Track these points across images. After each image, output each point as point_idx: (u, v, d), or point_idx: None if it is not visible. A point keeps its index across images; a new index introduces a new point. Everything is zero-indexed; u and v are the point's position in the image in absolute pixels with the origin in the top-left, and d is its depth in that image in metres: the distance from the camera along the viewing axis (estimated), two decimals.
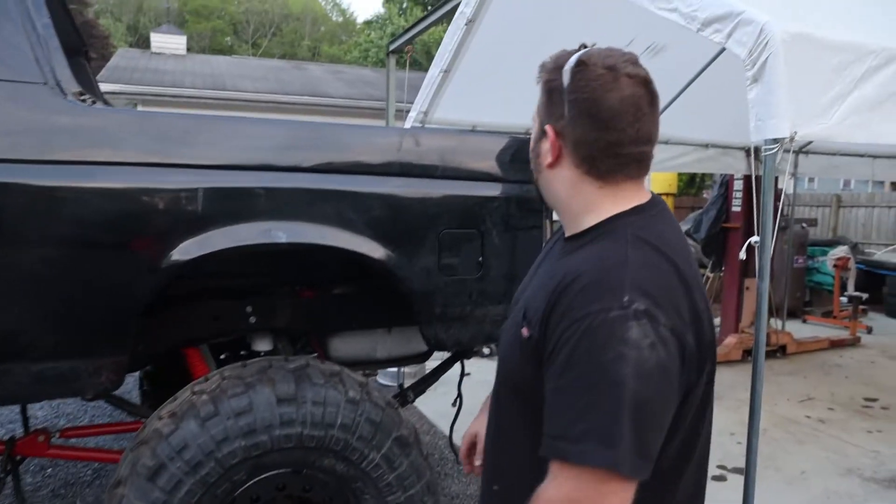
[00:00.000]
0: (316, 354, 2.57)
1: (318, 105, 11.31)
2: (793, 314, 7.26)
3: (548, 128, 0.97)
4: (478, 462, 1.25)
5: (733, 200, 5.96)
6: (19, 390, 1.63)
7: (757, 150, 5.92)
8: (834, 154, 6.00)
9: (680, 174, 11.30)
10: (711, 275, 8.10)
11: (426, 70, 4.60)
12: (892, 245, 9.50)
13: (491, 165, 2.16)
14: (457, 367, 2.59)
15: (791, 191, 6.50)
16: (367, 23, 31.13)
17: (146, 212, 1.66)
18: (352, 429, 1.82)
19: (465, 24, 3.95)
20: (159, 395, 2.68)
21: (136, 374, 3.17)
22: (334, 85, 13.30)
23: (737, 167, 5.84)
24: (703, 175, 14.01)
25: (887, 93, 2.01)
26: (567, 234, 1.02)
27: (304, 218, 1.84)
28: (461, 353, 2.48)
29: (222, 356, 2.72)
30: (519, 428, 1.00)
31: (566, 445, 0.82)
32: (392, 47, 6.81)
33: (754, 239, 1.90)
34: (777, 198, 2.10)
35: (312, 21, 42.37)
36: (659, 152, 5.68)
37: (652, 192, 1.03)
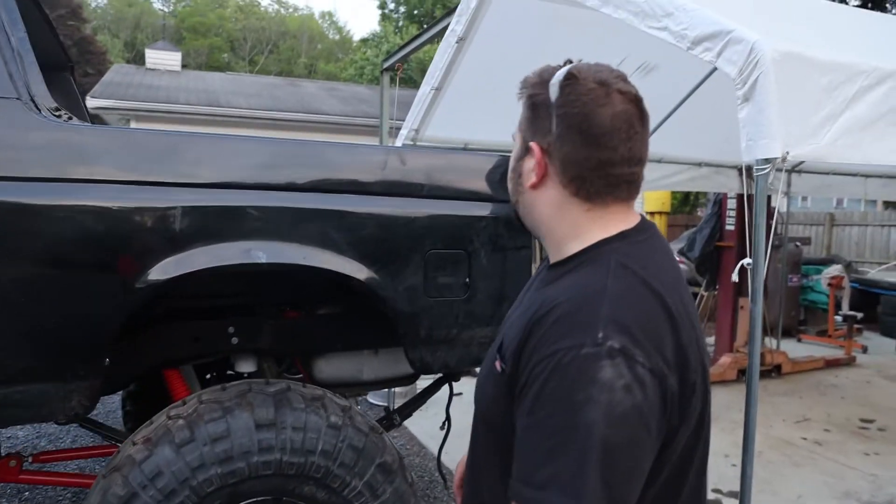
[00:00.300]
0: (301, 376, 2.52)
1: (313, 122, 11.31)
2: (787, 333, 7.23)
3: (533, 145, 0.90)
4: None
5: (727, 219, 5.95)
6: None
7: (749, 168, 5.92)
8: (827, 173, 6.01)
9: (673, 193, 11.32)
10: (706, 293, 8.08)
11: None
12: (886, 264, 9.50)
13: (479, 184, 2.12)
14: (447, 387, 2.54)
15: (784, 209, 6.50)
16: (364, 41, 31.39)
17: (122, 231, 1.61)
18: (333, 455, 1.76)
19: (456, 42, 3.95)
20: (142, 415, 2.61)
21: (119, 394, 3.10)
22: (328, 102, 13.33)
23: (730, 186, 5.84)
24: (698, 193, 14.05)
25: (879, 113, 2.00)
26: (552, 262, 0.96)
27: (286, 238, 1.79)
28: (449, 375, 2.42)
29: (208, 376, 2.67)
30: (494, 464, 0.94)
31: (529, 492, 0.76)
32: (386, 65, 6.83)
33: (747, 261, 1.86)
34: (770, 216, 2.07)
35: (309, 39, 42.69)
36: (652, 171, 5.71)
37: (642, 215, 0.96)
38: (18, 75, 1.59)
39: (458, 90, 4.22)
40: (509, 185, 0.99)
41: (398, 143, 4.59)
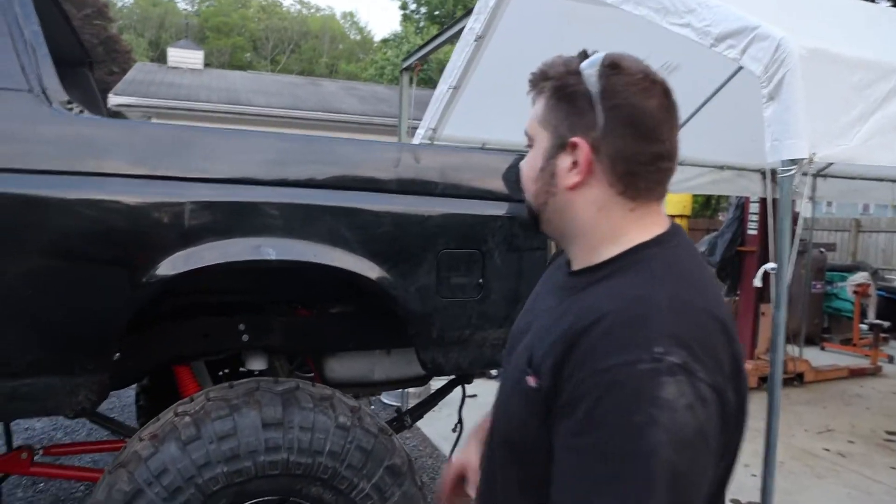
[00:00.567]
0: (312, 375, 2.49)
1: (332, 121, 11.35)
2: (810, 341, 7.07)
3: (578, 140, 0.81)
4: (471, 492, 1.11)
5: (749, 223, 5.84)
6: None
7: (773, 172, 5.79)
8: (853, 178, 5.86)
9: (695, 196, 11.16)
10: (727, 299, 7.94)
11: None
12: None
13: (494, 183, 2.08)
14: (461, 389, 2.50)
15: (809, 214, 6.36)
16: (385, 41, 31.46)
17: (130, 225, 1.60)
18: (341, 456, 1.73)
19: (475, 41, 3.91)
20: (156, 411, 2.61)
21: (135, 388, 3.11)
22: (348, 101, 13.37)
23: (752, 189, 5.72)
24: (719, 197, 13.85)
25: None
26: (577, 267, 0.88)
27: (297, 235, 1.77)
28: (462, 377, 2.38)
29: (221, 373, 2.66)
30: (514, 492, 0.87)
31: None
32: (405, 65, 6.81)
33: (770, 266, 1.80)
34: (794, 221, 2.01)
35: (331, 39, 42.97)
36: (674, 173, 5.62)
37: (669, 218, 0.90)
38: (31, 68, 1.58)
39: (476, 89, 4.18)
40: (532, 187, 0.90)
41: (415, 142, 4.56)
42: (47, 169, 1.53)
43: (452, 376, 2.38)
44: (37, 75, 1.58)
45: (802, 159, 1.70)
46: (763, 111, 1.79)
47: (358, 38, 46.64)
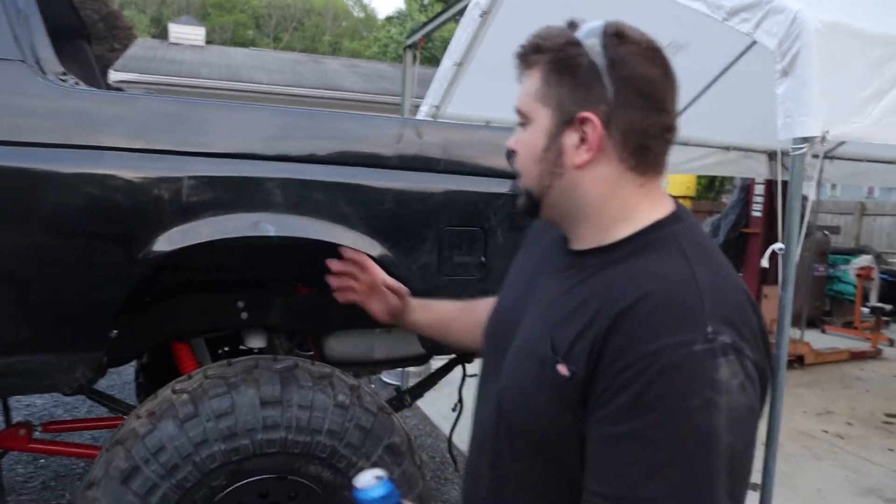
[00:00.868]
0: (312, 353, 2.48)
1: (334, 99, 11.25)
2: (812, 324, 7.06)
3: (589, 115, 0.77)
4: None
5: (753, 205, 5.80)
6: None
7: (781, 153, 5.71)
8: (861, 160, 5.79)
9: (699, 177, 11.07)
10: None
11: None
12: None
13: (497, 161, 2.04)
14: (461, 368, 2.49)
15: (815, 197, 6.30)
16: (388, 19, 31.10)
17: (126, 199, 1.56)
18: (340, 435, 1.72)
19: (480, 16, 3.84)
20: (155, 388, 2.60)
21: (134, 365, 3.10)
22: (350, 79, 13.22)
23: (758, 171, 5.67)
24: (723, 179, 13.75)
25: None
26: (583, 247, 0.83)
27: (297, 211, 1.73)
28: (462, 356, 2.36)
29: (220, 351, 2.64)
30: (535, 486, 0.82)
31: None
32: (409, 42, 6.71)
33: (778, 246, 1.76)
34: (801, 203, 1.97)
35: (334, 16, 42.49)
36: (677, 154, 5.55)
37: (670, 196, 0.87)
38: (24, 37, 1.53)
39: (480, 65, 4.11)
40: (534, 170, 0.83)
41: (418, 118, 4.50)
42: (40, 142, 1.49)
43: (453, 355, 2.37)
44: (30, 45, 1.54)
45: (815, 137, 1.66)
46: (776, 87, 1.74)
47: (361, 15, 46.12)
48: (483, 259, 1.97)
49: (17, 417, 2.69)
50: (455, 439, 2.52)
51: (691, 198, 6.87)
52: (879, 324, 6.53)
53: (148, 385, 3.00)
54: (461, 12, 5.11)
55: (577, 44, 0.78)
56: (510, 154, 0.89)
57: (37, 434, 2.16)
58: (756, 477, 3.45)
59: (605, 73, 0.76)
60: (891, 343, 6.69)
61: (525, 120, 0.84)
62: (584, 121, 0.78)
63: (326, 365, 1.91)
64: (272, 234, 1.68)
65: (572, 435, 0.74)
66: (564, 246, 0.87)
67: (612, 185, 0.80)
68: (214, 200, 1.65)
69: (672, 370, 0.66)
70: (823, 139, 1.64)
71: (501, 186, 2.03)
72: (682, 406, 0.65)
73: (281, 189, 1.71)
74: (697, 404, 0.65)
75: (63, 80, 1.59)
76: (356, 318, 2.27)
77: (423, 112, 4.46)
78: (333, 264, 1.38)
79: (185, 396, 1.64)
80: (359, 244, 1.80)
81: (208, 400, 1.63)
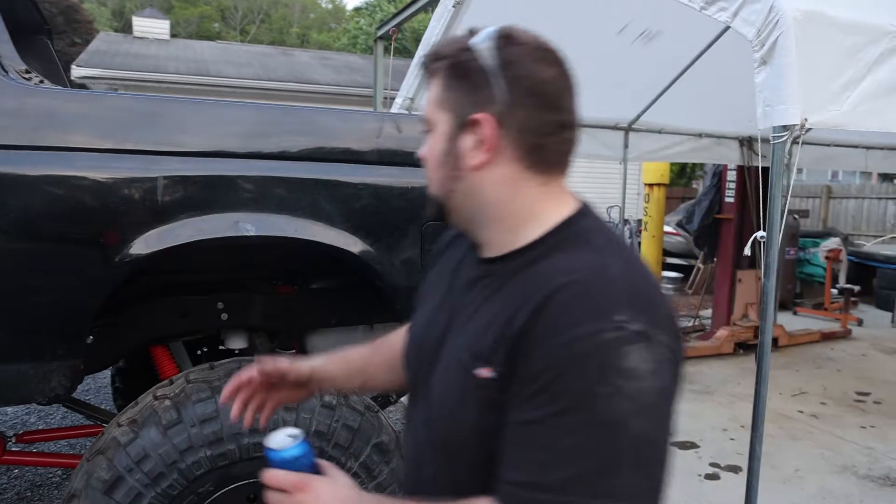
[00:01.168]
0: (294, 352, 2.44)
1: (305, 92, 11.08)
2: (783, 306, 7.22)
3: (481, 116, 0.77)
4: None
5: (726, 191, 5.88)
6: None
7: (751, 140, 5.80)
8: (828, 144, 5.91)
9: (672, 164, 11.20)
10: (703, 266, 8.03)
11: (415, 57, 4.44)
12: (882, 237, 9.48)
13: None
14: None
15: (787, 182, 6.42)
16: (357, 10, 30.78)
17: (99, 202, 1.51)
18: (327, 436, 1.70)
19: (453, 7, 3.80)
20: (132, 392, 2.54)
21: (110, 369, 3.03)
22: (321, 71, 13.05)
23: (731, 157, 5.75)
24: (694, 165, 13.94)
25: None
26: (495, 253, 0.83)
27: (276, 209, 1.70)
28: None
29: (199, 352, 2.59)
30: (448, 491, 0.80)
31: (546, 496, 0.67)
32: (380, 33, 6.64)
33: (760, 234, 1.78)
34: (770, 188, 1.99)
35: (301, 8, 41.89)
36: (652, 141, 5.61)
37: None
38: None
39: None
40: (437, 175, 0.84)
41: (393, 111, 4.45)
42: (5, 143, 1.43)
43: None
44: None
45: (794, 125, 1.67)
46: (755, 76, 1.75)
47: (329, 6, 45.54)
48: None
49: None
50: None
51: (666, 185, 6.93)
52: (848, 304, 6.70)
53: (125, 389, 2.93)
54: (431, 3, 5.06)
55: (469, 49, 0.79)
56: (421, 163, 0.89)
57: (10, 446, 2.09)
58: (733, 458, 3.52)
59: (497, 74, 0.77)
60: (859, 323, 6.87)
61: (429, 127, 0.85)
62: (478, 122, 0.79)
63: None
64: (252, 233, 1.64)
65: (492, 435, 0.74)
66: (476, 256, 0.87)
67: (512, 186, 0.80)
68: (191, 201, 1.61)
69: (582, 359, 0.68)
70: (803, 127, 1.66)
71: None
72: (590, 394, 0.67)
73: (259, 187, 1.67)
74: (606, 391, 0.66)
75: (27, 79, 1.53)
76: (338, 315, 2.26)
77: (398, 105, 4.42)
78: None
79: (167, 402, 1.60)
80: (340, 242, 1.78)
81: (192, 405, 1.60)
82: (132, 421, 1.59)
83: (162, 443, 1.55)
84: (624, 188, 5.80)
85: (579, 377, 0.67)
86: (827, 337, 6.25)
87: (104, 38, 13.01)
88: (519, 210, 0.80)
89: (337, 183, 1.78)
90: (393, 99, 4.65)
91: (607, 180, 10.14)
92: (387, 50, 6.00)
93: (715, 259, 6.24)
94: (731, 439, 3.79)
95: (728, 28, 1.97)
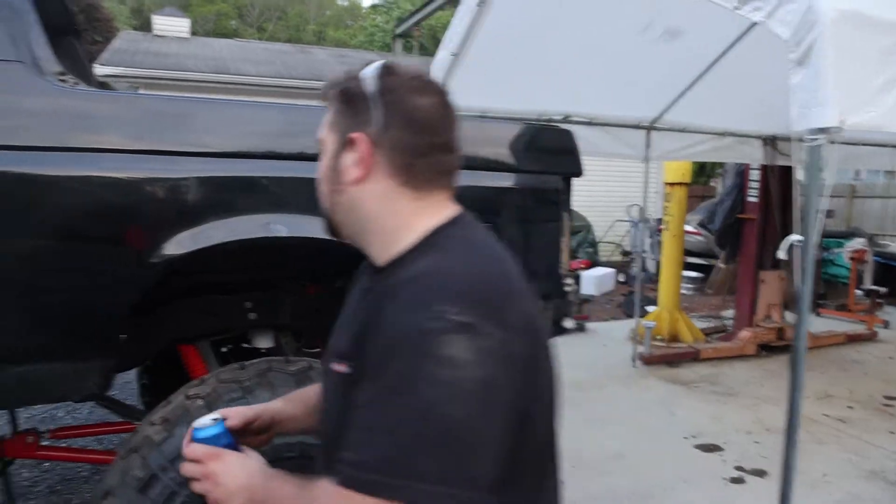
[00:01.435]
0: (319, 350, 2.46)
1: None
2: None
3: (357, 136, 0.87)
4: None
5: (749, 191, 5.80)
6: None
7: (775, 138, 5.70)
8: (855, 144, 5.80)
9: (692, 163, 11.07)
10: (724, 266, 7.94)
11: (432, 55, 4.43)
12: None
13: (502, 154, 2.02)
14: None
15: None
16: (374, 7, 30.84)
17: (134, 203, 1.53)
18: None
19: (477, 5, 3.78)
20: (159, 389, 2.56)
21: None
22: (339, 69, 13.01)
23: (754, 156, 5.66)
24: (713, 164, 13.79)
25: None
26: (384, 263, 0.90)
27: (308, 210, 1.70)
28: None
29: (224, 350, 2.61)
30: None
31: (352, 471, 0.72)
32: (398, 31, 6.65)
33: (796, 238, 1.75)
34: (790, 188, 1.96)
35: (318, 5, 42.03)
36: (673, 141, 5.54)
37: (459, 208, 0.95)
38: (21, 37, 1.49)
39: (477, 56, 4.06)
40: (322, 190, 0.94)
41: None
42: (43, 145, 1.45)
43: None
44: (27, 45, 1.49)
45: (831, 128, 1.64)
46: (790, 77, 1.72)
47: (346, 3, 45.64)
48: None
49: (20, 421, 2.65)
50: None
51: (687, 184, 6.85)
52: (874, 306, 6.59)
53: (152, 386, 2.97)
54: (449, 2, 5.05)
55: (357, 78, 0.89)
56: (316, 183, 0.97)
57: (44, 441, 2.12)
58: (758, 461, 3.47)
59: (376, 100, 0.86)
60: (886, 325, 6.76)
61: (322, 147, 0.94)
62: (355, 141, 0.87)
63: None
64: (284, 234, 1.65)
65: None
66: (371, 269, 0.95)
67: (386, 200, 0.88)
68: (224, 202, 1.62)
69: (402, 346, 0.74)
70: (840, 129, 1.63)
71: (507, 180, 2.01)
72: (406, 378, 0.72)
73: (292, 188, 1.68)
74: (420, 377, 0.71)
75: (63, 81, 1.55)
76: None
77: None
78: None
79: (199, 402, 1.61)
80: None
81: (224, 405, 1.60)
82: (165, 420, 1.61)
83: None
84: (646, 187, 5.75)
85: (398, 362, 0.73)
86: (852, 339, 6.15)
87: (125, 37, 13.15)
88: (395, 223, 0.88)
89: None
90: None
91: (626, 178, 10.07)
92: (407, 48, 6.01)
93: (737, 259, 6.17)
94: (756, 442, 3.74)
95: (752, 26, 1.94)
